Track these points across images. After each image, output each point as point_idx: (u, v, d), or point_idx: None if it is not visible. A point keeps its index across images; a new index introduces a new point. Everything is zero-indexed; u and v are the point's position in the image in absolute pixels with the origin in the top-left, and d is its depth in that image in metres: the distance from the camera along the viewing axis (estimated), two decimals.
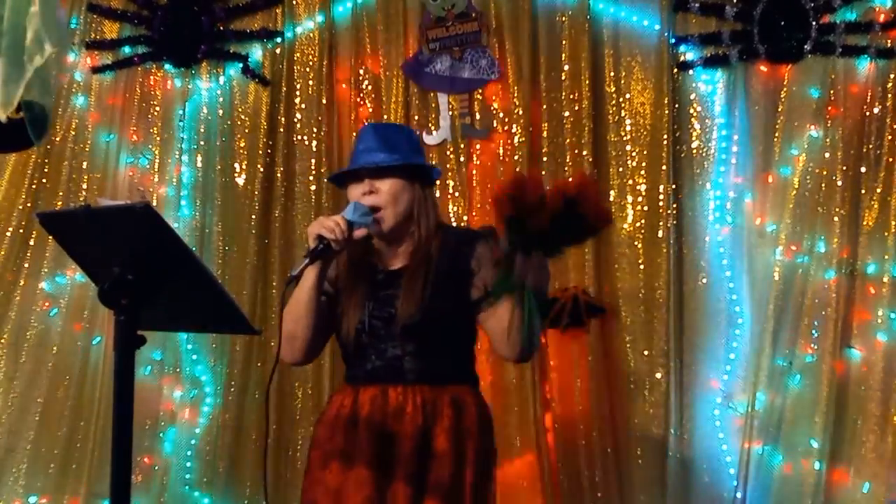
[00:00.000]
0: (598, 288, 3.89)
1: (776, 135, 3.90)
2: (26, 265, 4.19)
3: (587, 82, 3.96)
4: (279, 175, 4.12)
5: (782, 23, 3.87)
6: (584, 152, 3.95)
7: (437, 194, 3.81)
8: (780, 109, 3.90)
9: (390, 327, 2.40)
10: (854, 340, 3.81)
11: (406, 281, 2.41)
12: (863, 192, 3.85)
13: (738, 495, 3.76)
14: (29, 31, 3.09)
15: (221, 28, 4.20)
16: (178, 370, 4.10)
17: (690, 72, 3.97)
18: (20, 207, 4.20)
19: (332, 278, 2.49)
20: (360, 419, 2.39)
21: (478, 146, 4.05)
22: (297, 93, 4.16)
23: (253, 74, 4.16)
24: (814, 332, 3.82)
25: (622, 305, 3.92)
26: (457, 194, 4.00)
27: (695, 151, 3.97)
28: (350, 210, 2.38)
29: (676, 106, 3.97)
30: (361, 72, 4.13)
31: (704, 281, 3.92)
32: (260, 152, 4.14)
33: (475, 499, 2.37)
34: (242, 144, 4.19)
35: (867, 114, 3.85)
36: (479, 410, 2.45)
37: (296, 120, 4.15)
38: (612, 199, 3.97)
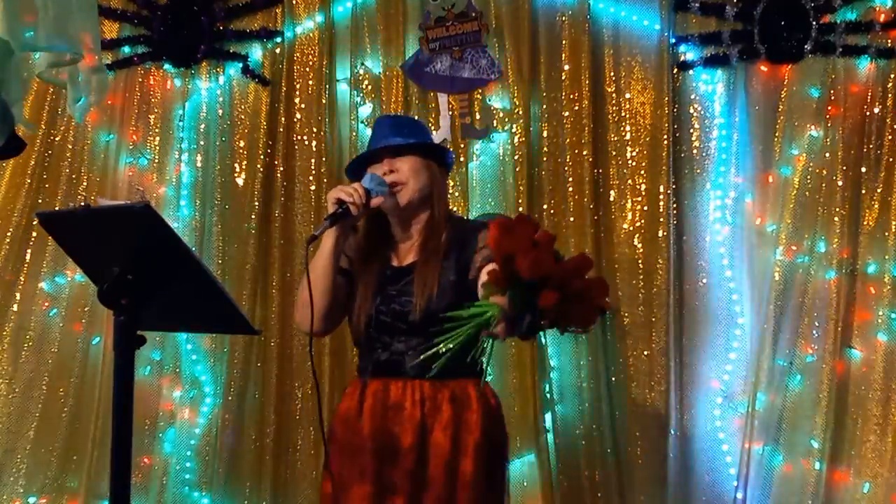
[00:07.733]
0: None
1: (776, 135, 3.90)
2: (26, 265, 4.18)
3: (587, 82, 3.96)
4: (279, 175, 4.11)
5: (782, 23, 3.86)
6: (584, 152, 3.94)
7: None
8: (780, 109, 3.89)
9: (396, 323, 2.49)
10: (854, 340, 3.81)
11: (414, 279, 2.49)
12: (863, 192, 3.84)
13: (739, 495, 3.76)
14: None
15: (221, 28, 4.19)
16: (177, 370, 4.10)
17: (690, 72, 3.97)
18: (20, 207, 4.18)
19: (350, 260, 2.60)
20: (364, 413, 2.48)
21: (478, 146, 4.05)
22: (297, 92, 4.15)
23: (253, 74, 4.15)
24: (814, 332, 3.82)
25: (622, 305, 3.92)
26: (456, 194, 3.99)
27: (695, 151, 3.97)
28: (367, 179, 2.50)
29: (676, 106, 3.96)
30: (361, 72, 4.12)
31: (704, 281, 3.92)
32: (260, 152, 4.13)
33: (475, 490, 2.42)
34: (242, 144, 4.18)
35: (867, 114, 3.85)
36: (482, 404, 2.49)
37: (296, 120, 4.14)
38: (612, 199, 3.97)
